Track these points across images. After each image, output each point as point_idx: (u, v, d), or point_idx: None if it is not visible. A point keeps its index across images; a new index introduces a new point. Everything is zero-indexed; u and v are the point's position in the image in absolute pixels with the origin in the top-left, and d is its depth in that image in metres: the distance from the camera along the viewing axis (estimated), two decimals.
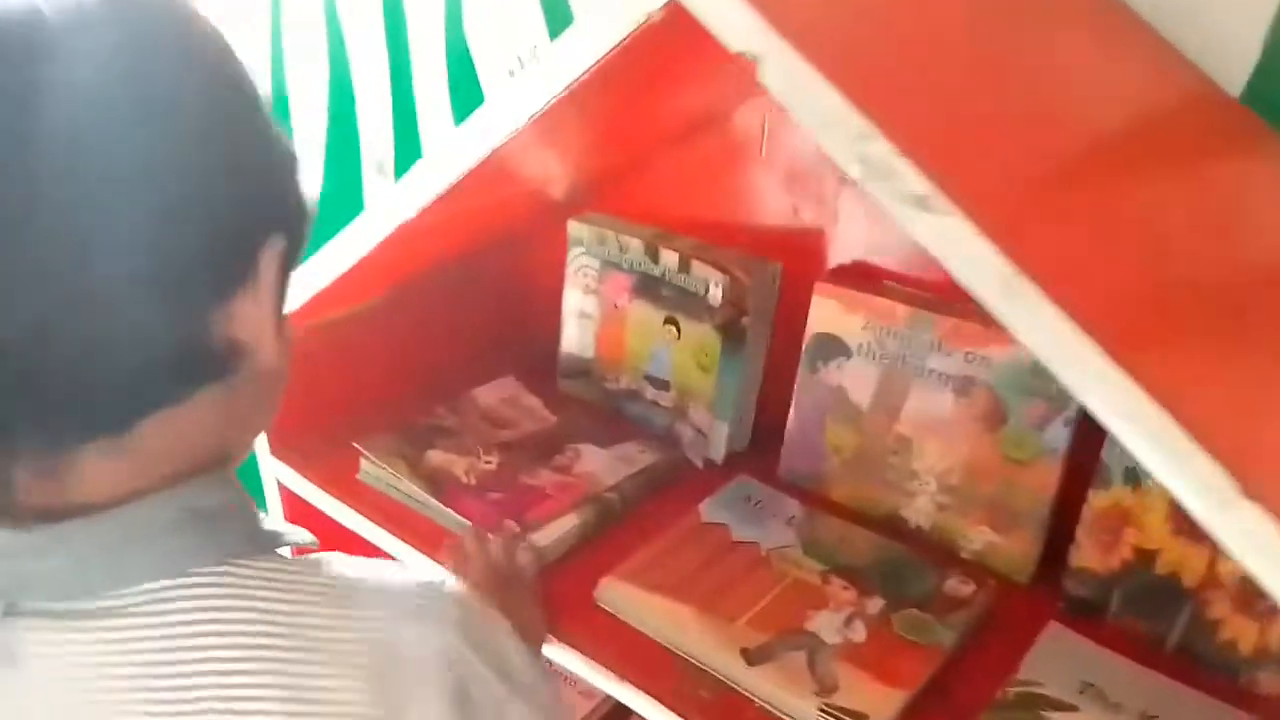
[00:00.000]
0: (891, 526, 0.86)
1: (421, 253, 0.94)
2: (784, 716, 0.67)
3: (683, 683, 0.70)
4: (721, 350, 0.93)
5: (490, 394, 1.05)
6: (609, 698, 1.11)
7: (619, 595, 0.77)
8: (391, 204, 0.77)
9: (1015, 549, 0.81)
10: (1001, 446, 0.80)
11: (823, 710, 0.66)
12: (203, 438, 0.47)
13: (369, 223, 0.80)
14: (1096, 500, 0.75)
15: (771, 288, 0.93)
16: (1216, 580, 0.71)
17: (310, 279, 0.85)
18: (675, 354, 0.97)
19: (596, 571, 0.79)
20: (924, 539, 0.85)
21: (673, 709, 0.68)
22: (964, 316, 0.80)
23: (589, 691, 1.13)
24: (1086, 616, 0.76)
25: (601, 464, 0.93)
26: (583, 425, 1.00)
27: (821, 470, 0.90)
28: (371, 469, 0.92)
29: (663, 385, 0.99)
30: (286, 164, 0.47)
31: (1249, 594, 0.70)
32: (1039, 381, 0.76)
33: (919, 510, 0.85)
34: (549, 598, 0.78)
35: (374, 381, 1.02)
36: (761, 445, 0.97)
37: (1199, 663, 0.72)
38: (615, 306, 1.01)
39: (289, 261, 0.48)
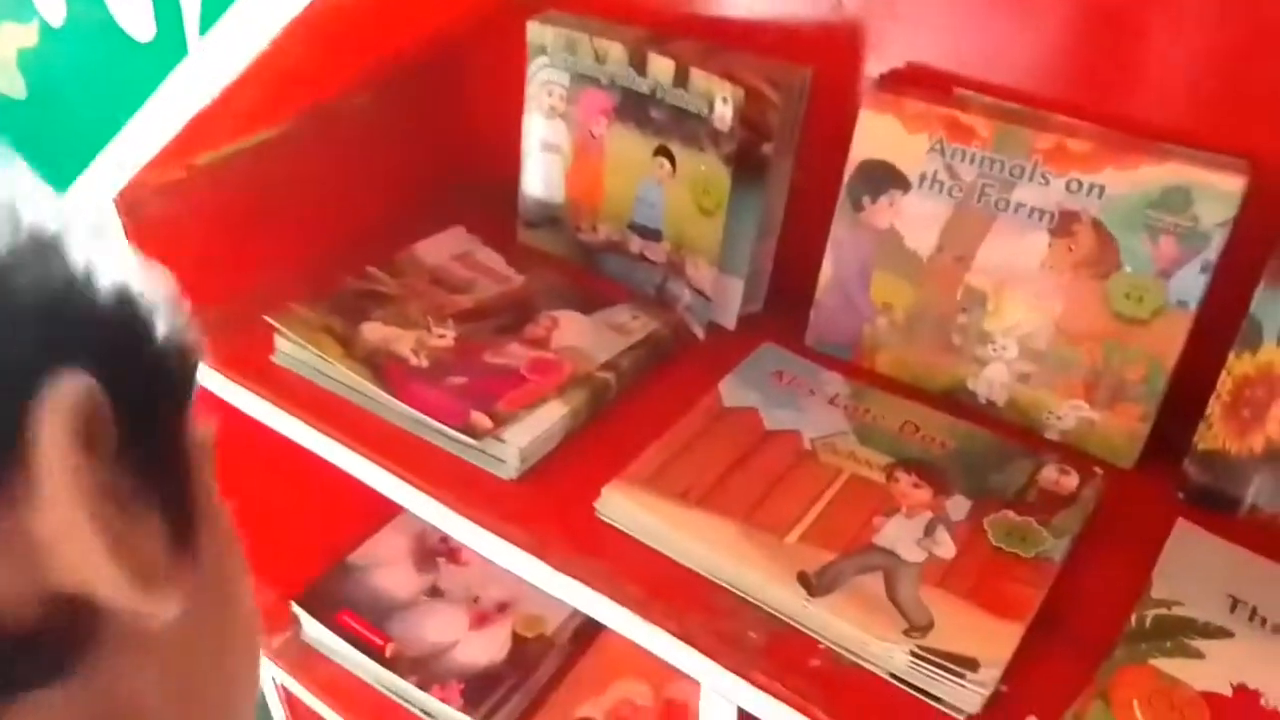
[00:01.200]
0: (953, 403, 0.69)
1: (340, 64, 0.71)
2: (862, 663, 0.51)
3: (722, 619, 0.53)
4: (732, 188, 0.72)
5: (437, 249, 0.83)
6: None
7: (628, 506, 0.58)
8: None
9: (1118, 427, 0.64)
10: (1110, 300, 0.62)
11: (916, 655, 0.49)
12: None
13: (262, 14, 0.56)
14: (1238, 365, 0.59)
15: (798, 103, 0.72)
16: None
17: (185, 98, 0.62)
18: (669, 194, 0.76)
19: (594, 475, 0.60)
20: (997, 418, 0.68)
21: (711, 655, 0.52)
22: (1069, 133, 0.61)
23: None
24: (1214, 510, 0.61)
25: (586, 335, 0.74)
26: (556, 286, 0.80)
27: (863, 336, 0.72)
28: (290, 349, 0.71)
29: (653, 235, 0.79)
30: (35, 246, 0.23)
31: None
32: (1170, 213, 0.58)
33: (991, 382, 0.68)
34: (534, 510, 0.60)
35: (286, 236, 0.80)
36: (780, 308, 0.78)
37: None
38: (591, 135, 0.80)
39: (135, 403, 0.24)
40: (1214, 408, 0.60)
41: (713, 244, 0.75)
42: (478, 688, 0.89)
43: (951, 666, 0.49)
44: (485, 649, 0.93)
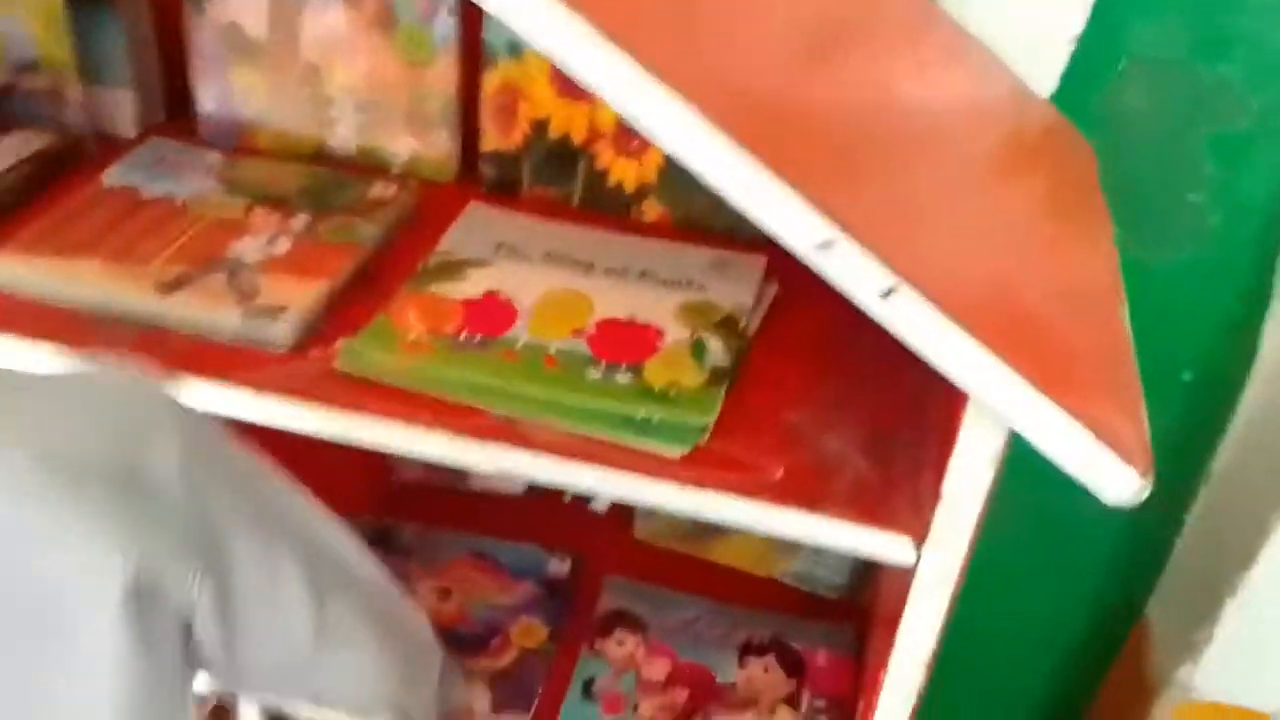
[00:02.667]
0: (321, 160, 0.85)
1: None
2: (208, 334, 0.66)
3: (95, 338, 0.66)
4: (76, 12, 0.81)
5: None
6: None
7: (10, 272, 0.69)
8: None
9: (436, 151, 0.83)
10: (400, 52, 0.80)
11: (244, 316, 0.65)
12: None
13: None
14: (488, 82, 0.79)
15: None
16: (599, 132, 0.79)
17: None
18: (25, 26, 0.84)
19: None
20: (354, 164, 0.85)
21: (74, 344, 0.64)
22: None
23: None
24: (502, 194, 0.82)
25: None
26: None
27: (240, 120, 0.86)
28: None
29: (31, 68, 0.86)
30: None
31: (625, 137, 0.79)
32: None
33: (342, 136, 0.84)
34: None
35: None
36: (183, 115, 0.89)
37: (597, 209, 0.81)
38: None
39: None
40: (484, 119, 0.81)
41: (73, 62, 0.83)
42: None
43: (270, 313, 0.65)
44: None
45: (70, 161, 0.83)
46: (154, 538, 0.42)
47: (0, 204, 0.77)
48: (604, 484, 0.59)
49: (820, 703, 0.90)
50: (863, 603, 0.98)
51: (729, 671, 0.92)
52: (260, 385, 0.62)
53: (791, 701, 0.90)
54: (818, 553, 0.97)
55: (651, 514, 1.02)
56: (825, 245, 0.45)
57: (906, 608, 0.57)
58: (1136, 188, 0.87)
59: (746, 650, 0.94)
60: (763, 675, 0.92)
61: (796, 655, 0.94)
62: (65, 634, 0.41)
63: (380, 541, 1.02)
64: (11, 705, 0.43)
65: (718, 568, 1.02)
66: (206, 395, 0.63)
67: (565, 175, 0.81)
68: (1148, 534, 1.06)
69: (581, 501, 1.06)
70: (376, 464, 1.06)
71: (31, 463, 0.40)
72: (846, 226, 0.45)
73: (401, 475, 1.09)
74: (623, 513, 1.04)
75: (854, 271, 0.46)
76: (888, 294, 0.46)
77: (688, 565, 1.02)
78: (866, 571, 0.96)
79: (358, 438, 0.62)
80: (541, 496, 1.05)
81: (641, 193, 0.81)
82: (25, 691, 0.42)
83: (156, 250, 0.71)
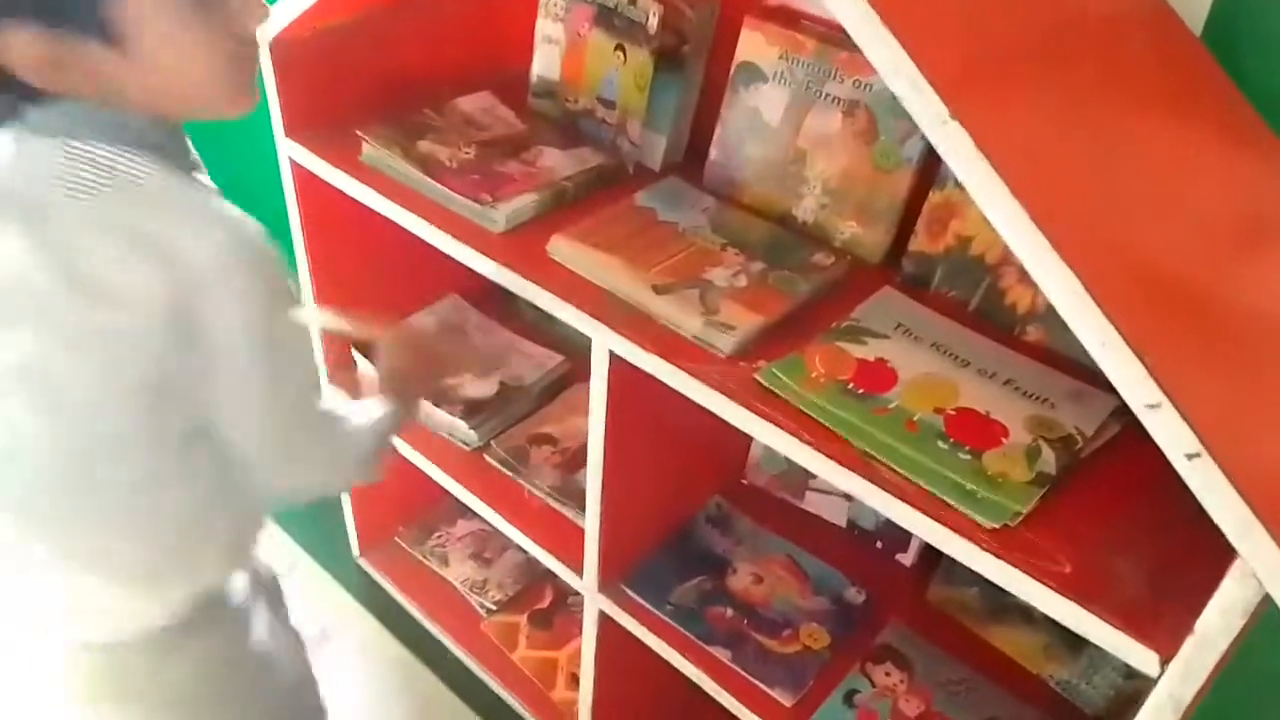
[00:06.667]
0: (784, 223, 1.10)
1: None
2: (678, 329, 0.92)
3: (608, 307, 0.95)
4: (655, 73, 1.13)
5: (471, 103, 1.24)
6: (557, 366, 1.38)
7: (565, 248, 1.00)
8: None
9: (872, 238, 1.05)
10: (872, 158, 1.02)
11: (707, 324, 0.91)
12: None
13: None
14: (933, 197, 0.99)
15: (709, 21, 1.12)
16: (1010, 259, 0.96)
17: None
18: (622, 77, 1.17)
19: (549, 236, 1.02)
20: (808, 232, 1.08)
21: (600, 319, 0.94)
22: (856, 51, 1.00)
23: (540, 362, 1.40)
24: (916, 287, 1.01)
25: (559, 161, 1.15)
26: (546, 134, 1.21)
27: (736, 178, 1.13)
28: (372, 151, 1.13)
29: (610, 105, 1.20)
30: None
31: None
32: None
33: (806, 209, 1.08)
34: (515, 255, 1.01)
35: (373, 84, 1.21)
36: (694, 159, 1.18)
37: (987, 319, 0.98)
38: (578, 34, 1.20)
39: None
40: (919, 224, 1.01)
41: (644, 111, 1.16)
42: (472, 410, 1.32)
43: (722, 328, 0.91)
44: (479, 390, 1.35)
45: (613, 179, 1.15)
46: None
47: (565, 197, 1.10)
48: (923, 527, 0.77)
49: None
50: None
51: None
52: (702, 376, 0.88)
53: None
54: (1089, 669, 1.06)
55: (948, 582, 1.16)
56: (1153, 407, 0.60)
57: (1139, 714, 0.69)
58: None
59: None
60: None
61: None
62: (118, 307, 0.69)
63: (719, 522, 1.26)
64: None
65: (991, 649, 1.13)
66: (664, 369, 0.89)
67: (969, 285, 0.99)
68: None
69: (891, 551, 1.22)
70: (739, 462, 1.30)
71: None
72: (1175, 396, 0.60)
73: (752, 478, 1.32)
74: (924, 572, 1.19)
75: (1171, 433, 0.60)
76: (1193, 457, 0.59)
77: (966, 637, 1.15)
78: (1124, 706, 1.03)
79: (756, 432, 0.85)
80: (858, 535, 1.24)
81: (1029, 317, 0.96)
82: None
83: (657, 260, 0.99)
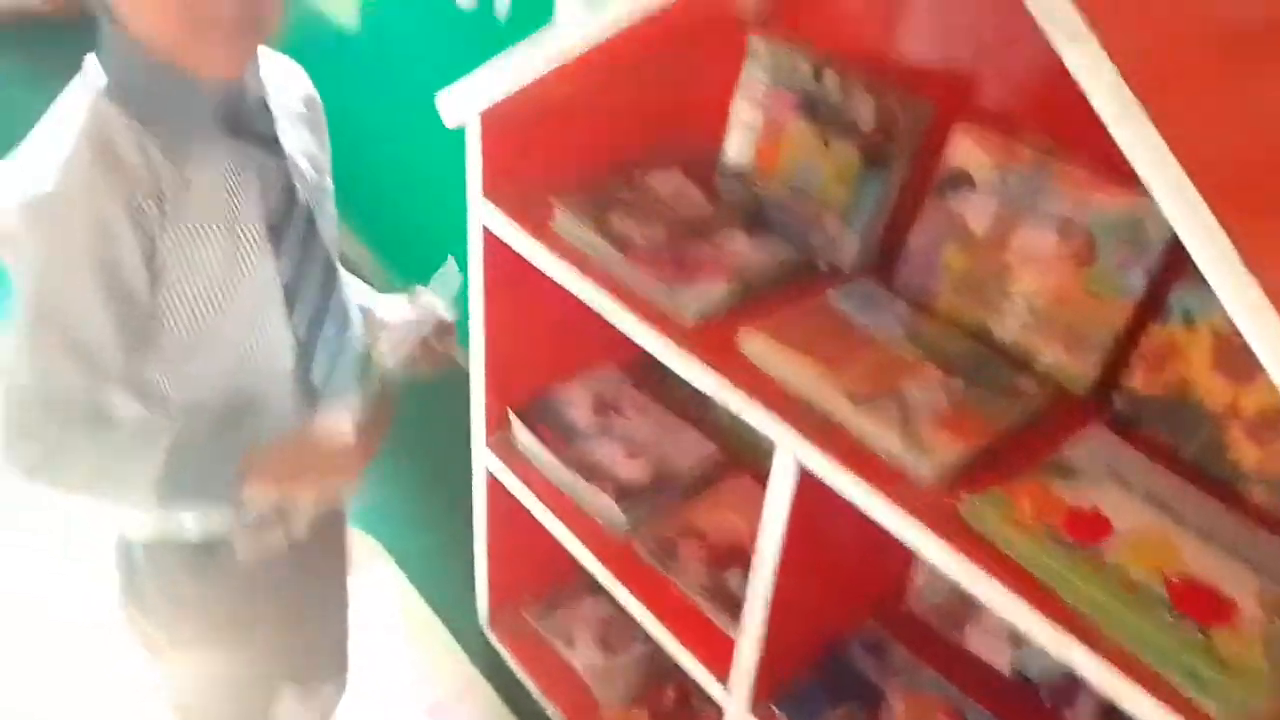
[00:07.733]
0: (979, 337, 1.04)
1: (618, 53, 1.10)
2: (870, 442, 0.88)
3: (799, 410, 0.91)
4: (861, 169, 1.09)
5: (661, 179, 1.24)
6: (712, 455, 1.33)
7: (758, 345, 0.97)
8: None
9: (1079, 368, 0.98)
10: (1087, 282, 0.96)
11: (902, 444, 0.86)
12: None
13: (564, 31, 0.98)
14: (1154, 333, 0.92)
15: (922, 120, 1.09)
16: (1237, 411, 0.88)
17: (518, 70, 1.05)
18: (822, 167, 1.14)
19: (735, 328, 0.99)
20: (1006, 350, 1.03)
21: (791, 424, 0.90)
22: (1080, 167, 0.95)
23: (694, 449, 1.37)
24: (1126, 426, 0.94)
25: (748, 250, 1.12)
26: (734, 218, 1.19)
27: (931, 285, 1.08)
28: (563, 219, 1.13)
29: (802, 195, 1.17)
30: None
31: (1263, 426, 0.87)
32: (1133, 233, 0.92)
33: (1006, 326, 1.03)
34: (703, 346, 0.99)
35: (571, 155, 1.22)
36: (886, 258, 1.14)
37: (1207, 472, 0.90)
38: (777, 120, 1.18)
39: None
40: (1135, 359, 0.94)
41: (844, 206, 1.12)
42: (624, 493, 1.29)
43: (923, 451, 0.86)
44: (632, 472, 1.32)
45: (803, 275, 1.12)
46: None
47: (751, 289, 1.07)
48: (1141, 707, 0.70)
49: None
50: None
51: None
52: (899, 501, 0.83)
53: None
54: None
55: None
56: None
57: None
58: None
59: None
60: None
61: None
62: None
63: (874, 648, 1.19)
64: None
65: None
66: (857, 489, 0.85)
67: (1185, 432, 0.92)
68: None
69: (1058, 706, 1.13)
70: (897, 585, 1.23)
71: None
72: None
73: (911, 604, 1.24)
74: None
75: None
76: None
77: None
78: None
79: (953, 571, 0.79)
80: (1023, 684, 1.15)
81: (1257, 477, 0.88)
82: None
83: (850, 366, 0.95)
